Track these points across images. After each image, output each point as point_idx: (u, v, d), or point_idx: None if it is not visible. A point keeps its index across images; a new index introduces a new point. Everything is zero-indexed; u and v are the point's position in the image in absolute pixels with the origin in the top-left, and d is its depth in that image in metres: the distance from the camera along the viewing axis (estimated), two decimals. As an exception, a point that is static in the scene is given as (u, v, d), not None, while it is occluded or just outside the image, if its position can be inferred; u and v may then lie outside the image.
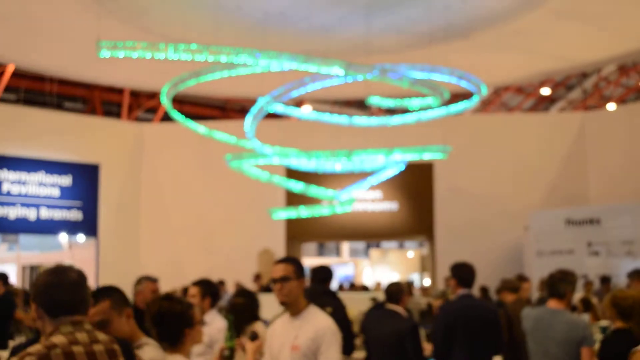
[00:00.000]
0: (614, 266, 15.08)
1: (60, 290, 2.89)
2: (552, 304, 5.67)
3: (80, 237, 19.21)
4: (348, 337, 6.81)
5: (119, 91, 23.38)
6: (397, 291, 6.85)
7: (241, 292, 6.55)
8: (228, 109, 27.45)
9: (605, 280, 13.20)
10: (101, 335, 2.96)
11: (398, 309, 6.73)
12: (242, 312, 6.00)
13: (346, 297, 8.13)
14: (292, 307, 4.30)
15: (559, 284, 5.69)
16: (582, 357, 5.38)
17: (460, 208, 19.77)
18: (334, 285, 16.85)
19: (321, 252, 33.17)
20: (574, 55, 17.98)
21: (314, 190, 15.09)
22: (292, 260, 4.39)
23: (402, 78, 11.48)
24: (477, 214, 19.65)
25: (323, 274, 7.22)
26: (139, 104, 24.76)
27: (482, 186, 19.95)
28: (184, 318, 3.70)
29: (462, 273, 6.53)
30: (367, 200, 20.28)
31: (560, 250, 16.27)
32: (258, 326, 6.06)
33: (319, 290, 6.95)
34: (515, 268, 17.31)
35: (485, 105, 29.82)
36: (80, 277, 2.98)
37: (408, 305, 7.99)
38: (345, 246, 32.21)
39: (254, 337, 4.41)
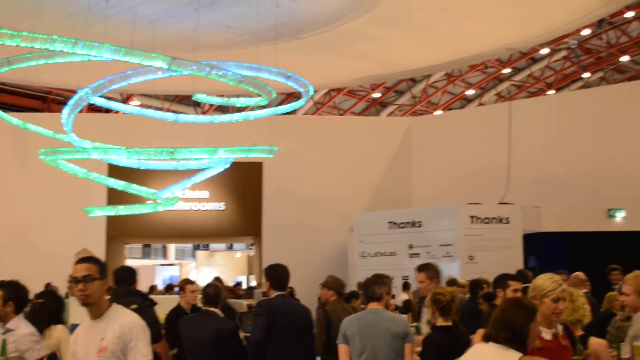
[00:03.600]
0: (434, 268, 15.49)
1: None
2: (372, 306, 5.76)
3: None
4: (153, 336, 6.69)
5: None
6: (215, 293, 6.74)
7: (43, 293, 6.23)
8: (50, 101, 26.11)
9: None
10: None
11: (216, 310, 6.67)
12: (41, 313, 5.72)
13: (158, 299, 7.95)
14: (94, 309, 4.11)
15: (374, 287, 5.78)
16: (404, 352, 5.56)
17: (289, 209, 19.81)
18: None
19: (146, 253, 32.35)
20: (402, 61, 18.45)
21: (135, 188, 14.50)
22: (95, 260, 4.20)
23: (228, 75, 11.20)
24: (305, 215, 19.76)
25: (126, 274, 6.93)
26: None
27: (311, 187, 20.10)
28: None
29: (276, 275, 6.52)
30: (193, 199, 19.89)
31: (383, 252, 16.60)
32: (58, 330, 5.80)
33: (123, 290, 6.70)
34: (341, 269, 17.49)
35: (318, 107, 30.14)
36: None
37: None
38: (172, 247, 31.60)
39: None
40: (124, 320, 4.06)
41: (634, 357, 4.69)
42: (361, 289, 11.73)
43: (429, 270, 6.93)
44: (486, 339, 3.82)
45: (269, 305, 6.33)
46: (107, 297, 4.28)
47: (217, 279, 8.61)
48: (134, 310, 4.47)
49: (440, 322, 5.80)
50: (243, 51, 15.79)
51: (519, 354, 3.67)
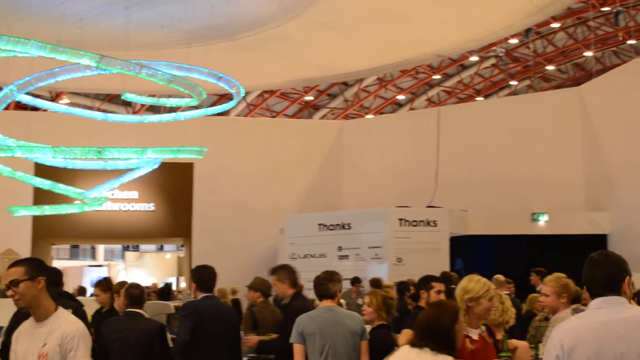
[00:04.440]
0: (362, 269, 15.65)
1: None
2: (325, 303, 5.74)
3: None
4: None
5: None
6: (140, 294, 6.66)
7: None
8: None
9: (356, 281, 13.66)
10: None
11: (140, 311, 6.54)
12: None
13: (85, 301, 7.83)
14: (35, 311, 4.03)
15: (329, 285, 5.76)
16: (361, 350, 5.59)
17: (219, 210, 19.74)
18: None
19: (74, 254, 31.74)
20: (334, 64, 18.57)
21: (61, 188, 14.25)
22: (25, 262, 4.10)
23: (158, 75, 11.12)
24: (236, 216, 19.73)
25: (52, 275, 6.78)
26: None
27: (242, 188, 20.06)
28: None
29: (202, 276, 6.49)
30: (123, 200, 19.64)
31: (313, 254, 16.68)
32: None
33: (53, 292, 6.56)
34: (271, 271, 17.50)
35: (251, 109, 30.07)
36: None
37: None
38: (101, 248, 31.10)
39: None
40: (67, 327, 3.99)
41: None
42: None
43: (278, 273, 6.96)
44: (414, 346, 3.86)
45: (195, 307, 6.30)
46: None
47: (106, 279, 8.43)
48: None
49: (381, 321, 5.95)
50: (175, 51, 15.66)
51: (450, 358, 3.72)
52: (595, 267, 3.45)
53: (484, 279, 4.73)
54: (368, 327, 6.02)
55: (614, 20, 21.43)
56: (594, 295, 3.41)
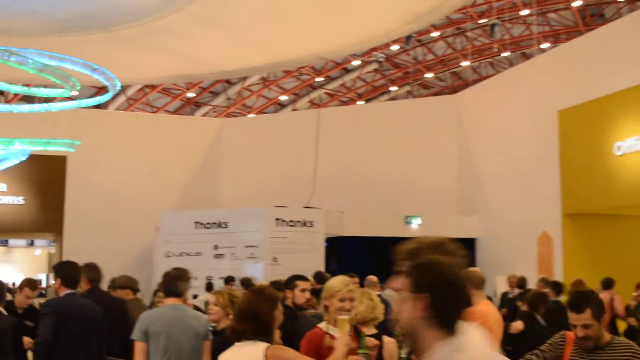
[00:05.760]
0: (238, 269, 15.62)
1: None
2: (172, 301, 5.63)
3: None
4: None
5: None
6: None
7: None
8: None
9: (229, 279, 13.65)
10: None
11: None
12: None
13: None
14: None
15: (178, 282, 5.68)
16: (204, 350, 5.52)
17: (93, 205, 19.23)
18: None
19: None
20: (217, 61, 18.38)
21: None
22: None
23: (27, 63, 10.68)
24: (110, 212, 19.29)
25: None
26: None
27: (118, 184, 19.63)
28: None
29: (66, 273, 6.36)
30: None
31: (188, 252, 16.51)
32: None
33: None
34: (146, 269, 17.22)
35: (131, 103, 29.44)
36: None
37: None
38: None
39: None
40: None
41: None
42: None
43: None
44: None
45: (58, 305, 6.12)
46: None
47: None
48: None
49: (228, 321, 5.89)
50: (49, 40, 15.09)
51: (264, 344, 3.76)
52: None
53: (346, 280, 4.76)
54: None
55: (490, 32, 22.24)
56: None
